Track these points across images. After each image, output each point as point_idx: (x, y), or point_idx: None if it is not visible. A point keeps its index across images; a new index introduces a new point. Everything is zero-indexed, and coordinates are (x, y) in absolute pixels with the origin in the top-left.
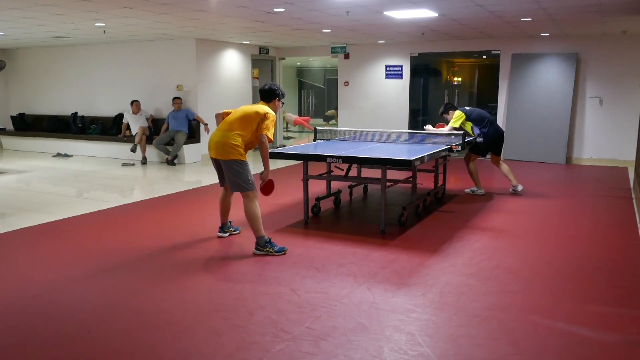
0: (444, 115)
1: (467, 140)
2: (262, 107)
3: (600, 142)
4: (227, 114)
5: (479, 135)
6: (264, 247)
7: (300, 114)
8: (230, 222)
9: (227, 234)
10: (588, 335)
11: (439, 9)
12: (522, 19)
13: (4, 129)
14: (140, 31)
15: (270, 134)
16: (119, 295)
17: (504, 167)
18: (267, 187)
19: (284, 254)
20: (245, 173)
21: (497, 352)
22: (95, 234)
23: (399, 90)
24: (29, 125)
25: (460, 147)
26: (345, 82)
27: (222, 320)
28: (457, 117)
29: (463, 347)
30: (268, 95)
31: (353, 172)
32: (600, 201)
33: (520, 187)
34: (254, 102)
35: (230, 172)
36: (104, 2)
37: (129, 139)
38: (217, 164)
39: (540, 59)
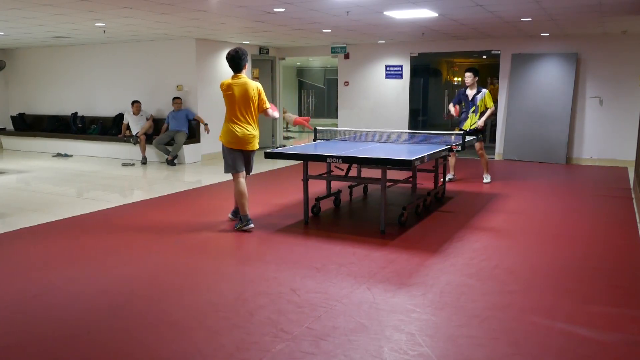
0: (468, 74)
1: (467, 140)
2: (250, 84)
3: (600, 142)
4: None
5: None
6: (243, 223)
7: (300, 114)
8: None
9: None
10: (588, 335)
11: (439, 9)
12: (522, 19)
13: (4, 129)
14: (140, 31)
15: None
16: (119, 295)
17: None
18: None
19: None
20: None
21: (497, 352)
22: (95, 234)
23: (399, 90)
24: (29, 125)
25: (460, 147)
26: (345, 82)
27: (222, 320)
28: (490, 97)
29: (463, 347)
30: (239, 62)
31: (353, 172)
32: (600, 201)
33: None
34: None
35: (252, 159)
36: (104, 2)
37: (129, 139)
38: (243, 154)
39: (540, 59)
